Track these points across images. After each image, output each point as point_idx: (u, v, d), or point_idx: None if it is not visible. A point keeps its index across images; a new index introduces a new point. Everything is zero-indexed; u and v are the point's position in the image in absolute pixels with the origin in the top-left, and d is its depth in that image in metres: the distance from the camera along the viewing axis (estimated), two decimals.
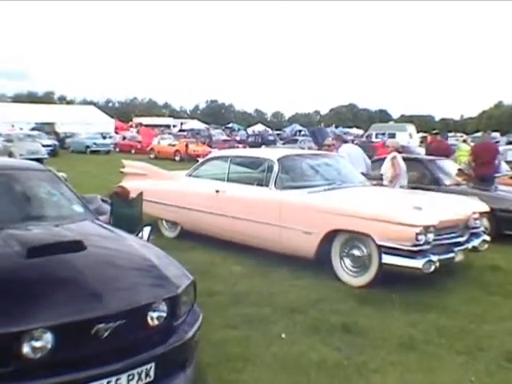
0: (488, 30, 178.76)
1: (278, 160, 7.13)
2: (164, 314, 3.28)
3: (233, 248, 7.41)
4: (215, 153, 8.86)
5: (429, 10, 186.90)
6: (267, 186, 7.00)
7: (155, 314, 3.24)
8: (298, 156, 7.92)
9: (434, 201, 6.86)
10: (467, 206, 6.74)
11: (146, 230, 5.18)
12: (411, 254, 5.60)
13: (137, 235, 4.79)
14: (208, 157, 8.74)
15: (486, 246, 6.80)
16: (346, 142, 10.16)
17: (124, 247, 3.84)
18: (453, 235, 6.21)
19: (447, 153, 12.06)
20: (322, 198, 6.60)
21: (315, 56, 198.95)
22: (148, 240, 4.89)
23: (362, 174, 8.52)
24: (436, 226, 5.75)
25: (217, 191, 7.55)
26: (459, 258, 6.23)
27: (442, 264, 5.81)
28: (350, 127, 62.25)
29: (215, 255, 7.34)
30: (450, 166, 10.44)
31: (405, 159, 10.61)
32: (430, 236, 5.69)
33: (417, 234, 5.55)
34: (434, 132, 14.28)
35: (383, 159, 10.68)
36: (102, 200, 5.34)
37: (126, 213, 5.22)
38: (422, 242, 5.61)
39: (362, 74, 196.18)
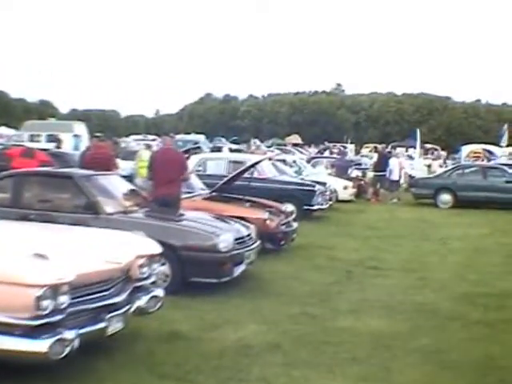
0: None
1: None
2: None
3: None
4: None
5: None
6: None
7: None
8: None
9: (73, 242, 5.84)
10: (128, 248, 5.89)
11: None
12: (30, 332, 4.56)
13: None
14: None
15: (160, 304, 6.07)
16: None
17: None
18: (103, 295, 5.32)
19: (107, 165, 11.08)
20: None
21: None
22: None
23: None
24: (72, 283, 4.80)
25: None
26: (116, 327, 5.37)
27: (87, 341, 4.90)
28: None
29: None
30: (116, 184, 9.30)
31: (52, 175, 9.15)
32: (63, 299, 4.72)
33: (38, 299, 4.51)
34: (97, 135, 13.87)
35: (15, 175, 8.92)
36: None
37: None
38: (47, 311, 4.59)
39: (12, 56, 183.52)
